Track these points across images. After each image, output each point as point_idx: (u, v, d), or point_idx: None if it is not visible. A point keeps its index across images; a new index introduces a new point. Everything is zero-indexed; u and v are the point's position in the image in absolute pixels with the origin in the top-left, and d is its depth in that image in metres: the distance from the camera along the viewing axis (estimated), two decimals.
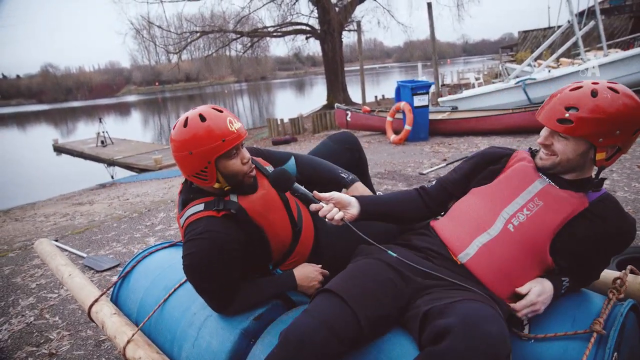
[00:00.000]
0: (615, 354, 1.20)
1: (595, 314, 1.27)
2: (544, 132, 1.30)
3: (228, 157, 1.37)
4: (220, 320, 1.48)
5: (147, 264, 2.00)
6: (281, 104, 34.30)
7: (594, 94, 1.19)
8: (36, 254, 3.87)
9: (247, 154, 1.42)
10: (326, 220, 1.36)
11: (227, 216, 1.39)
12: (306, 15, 20.40)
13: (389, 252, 1.29)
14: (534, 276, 1.29)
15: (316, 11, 19.35)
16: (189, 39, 19.68)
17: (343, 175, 1.79)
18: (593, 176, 1.33)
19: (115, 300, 2.00)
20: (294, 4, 19.97)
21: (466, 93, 10.42)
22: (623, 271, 1.43)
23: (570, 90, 1.23)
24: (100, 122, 17.76)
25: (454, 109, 8.96)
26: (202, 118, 1.35)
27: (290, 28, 20.11)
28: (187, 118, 1.37)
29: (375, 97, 20.54)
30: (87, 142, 18.53)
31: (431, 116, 8.06)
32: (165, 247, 2.11)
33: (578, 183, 1.31)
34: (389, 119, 8.13)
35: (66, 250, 3.90)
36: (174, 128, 1.39)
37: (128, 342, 1.63)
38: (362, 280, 1.21)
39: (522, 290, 1.24)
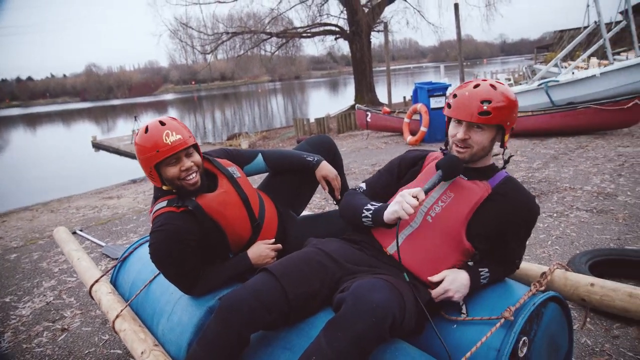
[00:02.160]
0: (525, 338, 1.33)
1: (514, 303, 1.40)
2: (461, 129, 1.44)
3: (166, 165, 1.57)
4: (190, 299, 1.69)
5: (142, 250, 2.23)
6: (313, 104, 34.56)
7: (493, 87, 1.40)
8: None
9: (187, 163, 1.58)
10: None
11: (186, 212, 1.60)
12: (335, 16, 20.57)
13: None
14: (457, 260, 1.45)
15: (345, 12, 19.46)
16: (222, 39, 20.19)
17: (309, 159, 1.97)
18: (493, 164, 1.55)
19: (114, 282, 2.25)
20: (323, 5, 20.18)
21: None
22: (550, 266, 1.56)
23: (474, 87, 1.42)
24: (136, 120, 18.53)
25: None
26: (146, 130, 1.57)
27: (319, 29, 20.31)
28: (139, 128, 1.61)
29: (404, 97, 20.43)
30: (123, 139, 19.32)
31: None
32: None
33: (483, 171, 1.50)
34: (406, 120, 8.22)
35: (88, 239, 4.24)
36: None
37: (117, 316, 1.87)
38: (296, 263, 1.41)
39: (432, 278, 1.41)
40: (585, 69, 9.94)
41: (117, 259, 3.68)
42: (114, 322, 1.87)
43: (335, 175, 1.99)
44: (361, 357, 1.16)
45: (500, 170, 1.53)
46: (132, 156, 16.26)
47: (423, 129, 7.71)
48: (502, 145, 1.49)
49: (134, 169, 14.47)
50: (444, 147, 1.63)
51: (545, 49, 30.76)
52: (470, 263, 1.48)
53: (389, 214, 1.38)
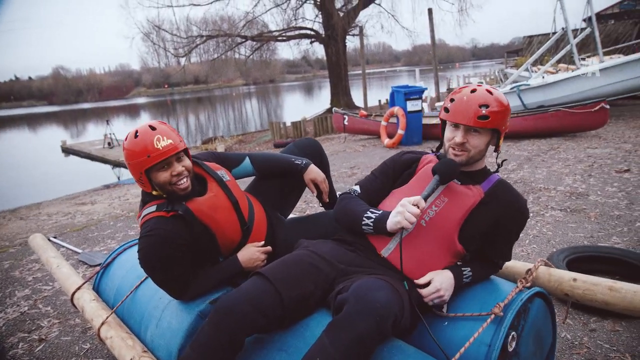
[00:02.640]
0: (513, 333, 1.38)
1: (502, 299, 1.44)
2: (458, 132, 1.46)
3: (157, 170, 1.55)
4: (180, 304, 1.67)
5: (126, 256, 2.20)
6: (288, 107, 34.52)
7: (490, 92, 1.44)
8: None
9: (178, 168, 1.57)
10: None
11: (176, 216, 1.58)
12: (311, 20, 20.67)
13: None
14: (448, 262, 1.48)
15: (320, 16, 19.58)
16: (196, 42, 20.01)
17: (297, 162, 1.97)
18: (485, 167, 1.58)
19: (97, 289, 2.21)
20: (299, 8, 20.24)
21: None
22: (534, 263, 1.61)
23: (471, 92, 1.44)
24: (108, 124, 18.13)
25: None
26: (136, 135, 1.54)
27: (295, 32, 20.36)
28: (129, 133, 1.57)
29: (379, 101, 20.64)
30: (95, 144, 18.89)
31: (426, 120, 8.22)
32: None
33: (476, 174, 1.53)
34: (383, 123, 8.32)
35: (63, 247, 4.13)
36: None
37: (102, 323, 1.84)
38: (288, 266, 1.41)
39: (420, 281, 1.43)
40: (554, 73, 10.28)
41: (95, 265, 3.61)
42: (99, 329, 1.83)
43: (324, 178, 2.00)
44: (365, 356, 1.17)
45: (492, 173, 1.56)
46: (104, 161, 15.91)
47: (400, 131, 7.82)
48: (496, 149, 1.53)
49: (107, 174, 14.20)
50: (435, 150, 1.66)
51: (515, 53, 31.57)
52: (459, 263, 1.52)
53: (392, 224, 1.40)
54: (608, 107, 6.78)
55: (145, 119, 38.42)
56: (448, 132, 1.50)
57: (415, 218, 1.36)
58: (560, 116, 7.05)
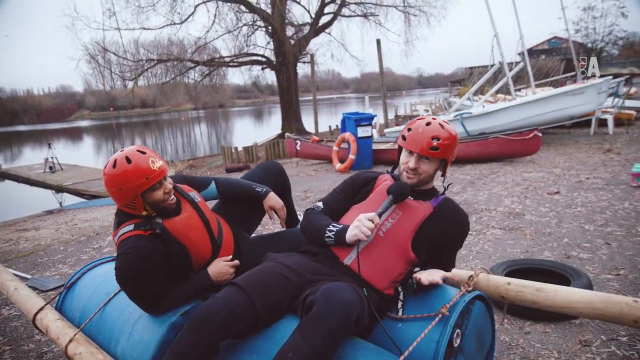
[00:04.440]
0: (458, 330, 1.57)
1: (448, 301, 1.64)
2: (412, 158, 1.69)
3: (152, 190, 1.66)
4: (152, 317, 1.74)
5: (92, 275, 2.22)
6: (238, 132, 34.40)
7: (442, 126, 1.67)
8: None
9: (168, 185, 1.71)
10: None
11: (153, 235, 1.68)
12: (262, 47, 21.01)
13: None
14: (403, 269, 1.68)
15: (272, 43, 19.98)
16: (145, 66, 19.74)
17: (257, 189, 2.11)
18: (434, 187, 1.82)
19: (59, 309, 2.21)
20: (250, 35, 20.56)
21: None
22: (475, 270, 1.84)
23: (426, 125, 1.67)
24: (50, 147, 17.35)
25: None
26: (128, 160, 1.63)
27: (246, 59, 20.60)
28: (115, 160, 1.64)
29: (330, 127, 21.10)
30: (34, 168, 17.97)
31: (375, 146, 8.60)
32: (108, 261, 2.34)
33: (426, 193, 1.76)
34: (334, 148, 8.62)
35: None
36: (105, 167, 1.67)
37: (70, 341, 1.86)
38: (260, 277, 1.55)
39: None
40: (493, 102, 11.10)
41: (47, 290, 3.52)
42: (66, 347, 1.85)
43: (282, 205, 2.14)
44: (333, 348, 1.32)
45: (440, 194, 1.79)
46: (45, 186, 15.13)
47: (351, 156, 8.12)
48: (443, 174, 1.77)
49: (48, 199, 13.50)
50: (390, 171, 1.87)
51: (458, 83, 33.54)
52: (417, 269, 1.71)
53: (350, 236, 1.61)
54: (540, 134, 7.44)
55: (89, 143, 36.95)
56: (403, 157, 1.73)
57: (370, 232, 1.56)
58: (499, 143, 7.64)
